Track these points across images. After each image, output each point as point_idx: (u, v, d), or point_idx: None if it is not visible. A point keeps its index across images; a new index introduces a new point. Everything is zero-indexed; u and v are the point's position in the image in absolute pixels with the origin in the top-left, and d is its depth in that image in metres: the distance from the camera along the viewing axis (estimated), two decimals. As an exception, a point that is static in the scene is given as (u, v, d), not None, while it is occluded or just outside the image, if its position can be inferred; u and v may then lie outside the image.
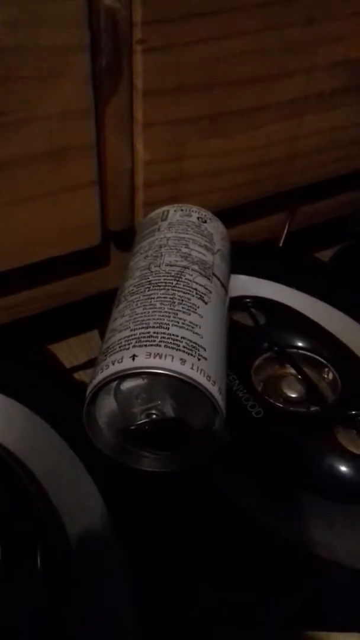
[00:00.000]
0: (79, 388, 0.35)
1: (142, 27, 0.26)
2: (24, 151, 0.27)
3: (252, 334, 0.37)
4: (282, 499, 0.30)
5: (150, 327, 0.22)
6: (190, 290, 0.25)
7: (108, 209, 0.32)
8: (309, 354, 0.36)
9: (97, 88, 0.27)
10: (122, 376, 0.21)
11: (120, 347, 0.22)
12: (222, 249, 0.30)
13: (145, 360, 0.21)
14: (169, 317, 0.23)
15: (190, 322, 0.23)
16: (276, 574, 0.29)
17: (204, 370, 0.21)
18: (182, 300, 0.24)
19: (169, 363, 0.21)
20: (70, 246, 0.32)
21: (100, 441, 0.23)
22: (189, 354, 0.22)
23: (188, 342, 0.22)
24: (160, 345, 0.21)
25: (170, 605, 0.26)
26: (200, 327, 0.23)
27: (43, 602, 0.24)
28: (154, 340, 0.22)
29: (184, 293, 0.24)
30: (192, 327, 0.23)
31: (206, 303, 0.25)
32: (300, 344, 0.36)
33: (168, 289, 0.24)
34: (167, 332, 0.22)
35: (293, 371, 0.35)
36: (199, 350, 0.22)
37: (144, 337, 0.22)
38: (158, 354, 0.21)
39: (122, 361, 0.21)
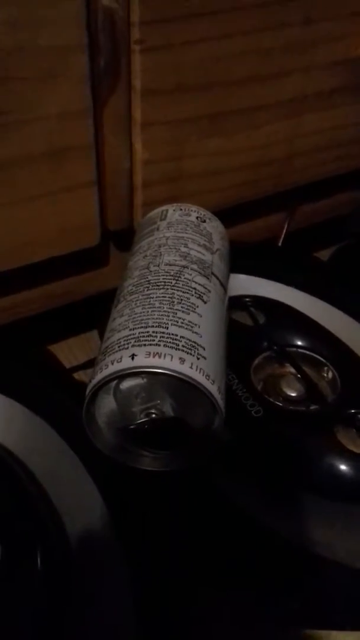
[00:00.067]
0: (79, 388, 0.35)
1: (140, 27, 0.26)
2: (23, 151, 0.27)
3: (251, 333, 0.37)
4: (281, 498, 0.30)
5: (149, 326, 0.22)
6: (189, 290, 0.25)
7: (107, 209, 0.32)
8: (308, 353, 0.36)
9: (95, 88, 0.27)
10: (122, 375, 0.21)
11: (119, 346, 0.22)
12: (221, 249, 0.30)
13: (144, 359, 0.21)
14: (168, 316, 0.23)
15: (190, 322, 0.23)
16: (276, 574, 0.29)
17: (203, 369, 0.21)
18: (181, 300, 0.24)
19: (168, 362, 0.21)
20: (69, 246, 0.32)
21: (99, 441, 0.23)
22: (188, 353, 0.22)
23: (187, 341, 0.22)
24: (159, 345, 0.21)
25: (170, 605, 0.26)
26: (199, 327, 0.23)
27: (43, 602, 0.24)
28: (153, 340, 0.22)
29: (183, 292, 0.24)
30: (191, 327, 0.23)
31: (205, 302, 0.25)
32: (299, 343, 0.36)
33: (167, 289, 0.25)
34: (167, 331, 0.22)
35: (293, 370, 0.35)
36: (198, 350, 0.22)
37: (143, 336, 0.22)
38: (157, 353, 0.21)
39: (121, 361, 0.21)
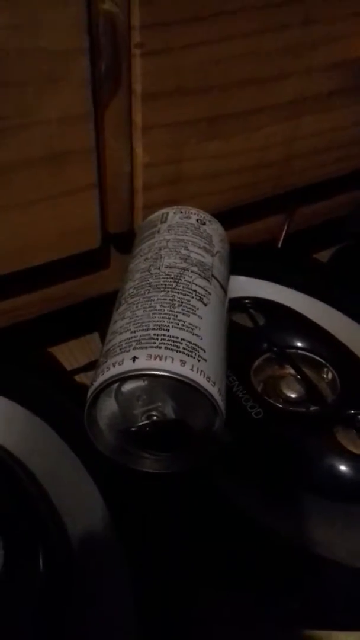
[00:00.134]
0: (80, 390, 0.36)
1: (140, 31, 0.27)
2: (23, 155, 0.27)
3: (251, 335, 0.37)
4: (282, 498, 0.30)
5: (150, 329, 0.23)
6: (189, 292, 0.25)
7: (108, 212, 0.32)
8: (308, 354, 0.36)
9: (96, 92, 0.27)
10: (123, 378, 0.22)
11: (120, 349, 0.22)
12: (221, 251, 0.30)
13: (145, 362, 0.21)
14: (169, 319, 0.23)
15: (190, 324, 0.23)
16: (276, 574, 0.29)
17: (203, 371, 0.22)
18: (182, 302, 0.24)
19: (169, 365, 0.21)
20: (70, 249, 0.32)
21: (101, 443, 0.24)
22: (188, 356, 0.22)
23: (188, 343, 0.22)
24: (160, 347, 0.22)
25: (171, 606, 0.26)
26: (199, 329, 0.23)
27: (44, 602, 0.25)
28: (154, 342, 0.22)
29: (183, 295, 0.25)
30: (192, 329, 0.23)
31: (205, 305, 0.25)
32: (299, 344, 0.36)
33: (168, 291, 0.25)
34: (167, 333, 0.22)
35: (292, 371, 0.35)
36: (198, 352, 0.22)
37: (145, 339, 0.22)
38: (158, 355, 0.21)
39: (122, 363, 0.21)
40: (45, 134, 0.27)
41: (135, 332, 0.23)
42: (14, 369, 0.34)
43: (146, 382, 0.23)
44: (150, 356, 0.21)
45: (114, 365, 0.22)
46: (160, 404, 0.23)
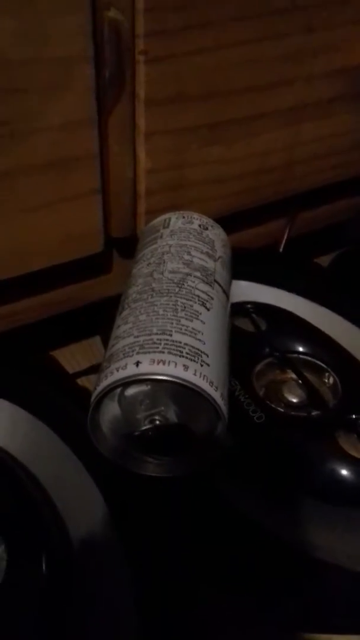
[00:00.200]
0: (82, 394, 0.36)
1: (144, 39, 0.27)
2: (28, 161, 0.27)
3: (253, 340, 0.37)
4: (283, 502, 0.30)
5: (153, 333, 0.23)
6: (192, 297, 0.25)
7: (111, 217, 0.32)
8: (309, 358, 0.36)
9: (100, 99, 0.27)
10: (126, 383, 0.22)
11: (124, 354, 0.22)
12: (223, 256, 0.30)
13: (149, 366, 0.21)
14: (172, 323, 0.23)
15: (193, 329, 0.23)
16: (277, 577, 0.29)
17: (206, 376, 0.22)
18: (185, 307, 0.24)
19: (172, 369, 0.21)
20: (73, 254, 0.32)
21: (104, 447, 0.24)
22: (191, 360, 0.22)
23: (191, 348, 0.22)
24: (163, 352, 0.22)
25: (172, 608, 0.26)
26: (202, 334, 0.23)
27: (46, 603, 0.25)
28: (158, 347, 0.22)
29: (186, 300, 0.25)
30: (195, 334, 0.23)
31: (208, 309, 0.25)
32: (300, 349, 0.37)
33: (171, 296, 0.25)
34: (170, 338, 0.22)
35: (294, 376, 0.35)
36: (201, 357, 0.22)
37: (148, 343, 0.22)
38: (161, 360, 0.21)
39: (126, 368, 0.22)
40: (49, 140, 0.27)
41: (138, 336, 0.23)
42: (16, 373, 0.34)
43: (149, 387, 0.23)
44: (153, 361, 0.21)
45: (117, 370, 0.22)
46: (163, 408, 0.23)
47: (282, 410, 0.33)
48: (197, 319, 0.24)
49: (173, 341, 0.22)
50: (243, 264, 0.33)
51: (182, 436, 0.24)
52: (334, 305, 0.39)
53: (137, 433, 0.24)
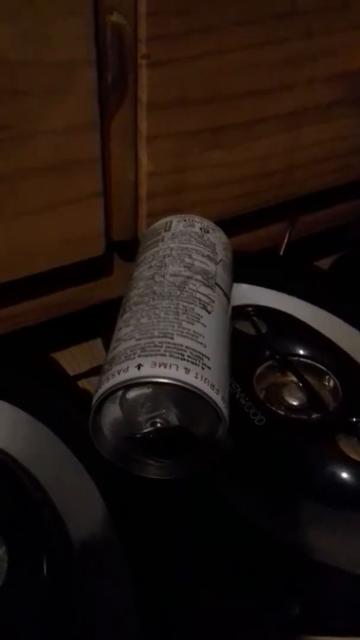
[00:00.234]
0: (83, 396, 0.36)
1: (146, 43, 0.27)
2: (30, 164, 0.27)
3: (254, 342, 0.37)
4: (284, 505, 0.30)
5: (155, 336, 0.23)
6: (193, 300, 0.25)
7: (112, 220, 0.32)
8: (310, 361, 0.36)
9: (103, 102, 0.27)
10: (128, 385, 0.22)
11: (125, 356, 0.22)
12: (225, 259, 0.30)
13: (150, 369, 0.21)
14: (174, 326, 0.23)
15: (194, 332, 0.23)
16: (278, 580, 0.29)
17: (208, 379, 0.22)
18: (186, 310, 0.24)
19: (174, 372, 0.21)
20: (74, 256, 0.32)
21: (105, 449, 0.24)
22: (193, 363, 0.22)
23: (192, 351, 0.22)
24: (165, 355, 0.22)
25: (173, 610, 0.26)
26: (204, 337, 0.23)
27: (47, 604, 0.25)
28: (159, 350, 0.22)
29: (187, 303, 0.25)
30: (196, 337, 0.23)
31: (209, 313, 0.25)
32: (301, 352, 0.37)
33: (172, 299, 0.25)
34: (172, 341, 0.23)
35: (294, 379, 0.35)
36: (203, 360, 0.22)
37: (149, 346, 0.22)
38: (163, 363, 0.21)
39: (128, 370, 0.22)
40: (51, 144, 0.27)
41: (140, 339, 0.23)
42: (17, 375, 0.35)
43: (151, 390, 0.23)
44: (155, 364, 0.22)
45: (119, 373, 0.22)
46: (164, 411, 0.23)
47: (282, 413, 0.33)
48: (198, 322, 0.24)
49: (174, 344, 0.22)
50: (244, 267, 0.33)
51: (183, 439, 0.24)
52: (334, 308, 0.39)
53: (138, 435, 0.24)
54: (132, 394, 0.23)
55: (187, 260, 0.28)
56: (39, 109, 0.26)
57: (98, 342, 0.44)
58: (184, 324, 0.24)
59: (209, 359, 0.23)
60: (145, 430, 0.24)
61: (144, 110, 0.29)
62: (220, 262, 0.29)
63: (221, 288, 0.27)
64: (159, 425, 0.23)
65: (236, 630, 0.28)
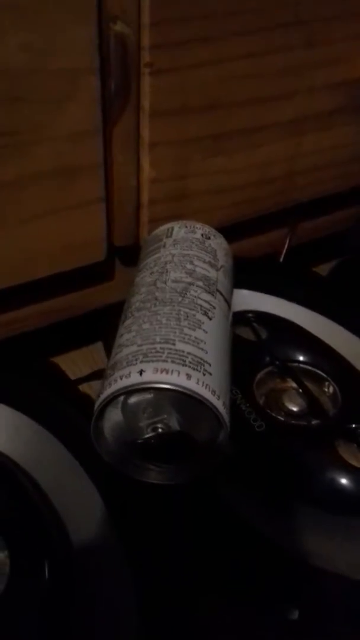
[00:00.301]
0: (83, 400, 0.36)
1: (149, 51, 0.27)
2: (33, 170, 0.27)
3: (254, 348, 0.37)
4: (283, 511, 0.30)
5: (156, 342, 0.23)
6: (195, 307, 0.25)
7: (114, 226, 0.33)
8: (309, 367, 0.36)
9: (106, 110, 0.28)
10: (130, 391, 0.22)
11: (127, 362, 0.23)
12: (225, 265, 0.30)
13: (152, 375, 0.21)
14: (175, 332, 0.24)
15: (196, 338, 0.24)
16: (277, 585, 0.29)
17: (209, 385, 0.22)
18: (188, 316, 0.25)
19: (176, 378, 0.21)
20: (76, 262, 0.32)
21: (107, 454, 0.24)
22: (194, 369, 0.22)
23: (194, 357, 0.23)
24: (167, 361, 0.22)
25: (172, 614, 0.26)
26: (205, 343, 0.24)
27: (48, 607, 0.25)
28: (161, 356, 0.22)
29: (189, 309, 0.25)
30: (198, 343, 0.23)
31: (210, 319, 0.25)
32: (301, 358, 0.37)
33: (174, 305, 0.25)
34: (174, 347, 0.23)
35: (294, 385, 0.36)
36: (204, 366, 0.22)
37: (151, 352, 0.23)
38: (165, 369, 0.22)
39: (130, 376, 0.22)
40: (55, 150, 0.27)
41: (141, 345, 0.23)
42: (18, 379, 0.35)
43: (152, 395, 0.23)
44: (156, 369, 0.22)
45: (121, 378, 0.22)
46: (165, 416, 0.24)
47: (282, 419, 0.33)
48: (199, 328, 0.24)
49: (176, 350, 0.23)
50: (244, 273, 0.33)
51: (184, 444, 0.24)
52: (333, 315, 0.39)
53: (139, 440, 0.24)
54: (133, 399, 0.23)
55: (189, 266, 0.28)
56: (43, 116, 0.26)
57: (98, 347, 0.44)
58: (186, 330, 0.24)
59: (210, 365, 0.23)
60: (147, 436, 0.24)
61: (146, 118, 0.29)
62: (221, 268, 0.29)
63: (222, 294, 0.28)
64: (160, 430, 0.24)
65: (235, 635, 0.28)
